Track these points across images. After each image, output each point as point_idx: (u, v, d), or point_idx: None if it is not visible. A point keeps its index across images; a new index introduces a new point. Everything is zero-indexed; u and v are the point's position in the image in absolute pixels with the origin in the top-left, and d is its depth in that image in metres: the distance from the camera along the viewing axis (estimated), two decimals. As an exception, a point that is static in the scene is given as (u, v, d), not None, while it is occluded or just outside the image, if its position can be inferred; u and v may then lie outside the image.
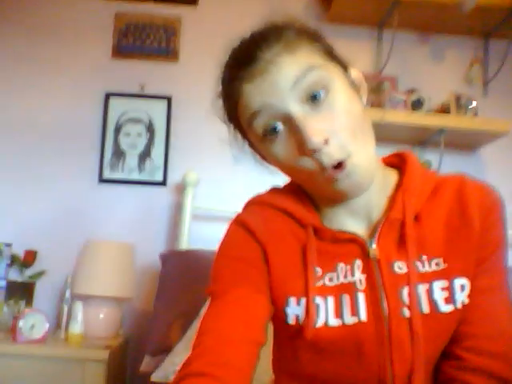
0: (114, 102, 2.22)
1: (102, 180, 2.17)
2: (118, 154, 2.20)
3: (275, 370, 0.81)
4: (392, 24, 2.13)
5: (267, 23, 0.75)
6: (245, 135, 0.76)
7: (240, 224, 0.77)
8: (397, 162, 0.80)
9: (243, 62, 0.69)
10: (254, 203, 0.80)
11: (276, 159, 0.70)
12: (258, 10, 2.30)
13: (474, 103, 2.11)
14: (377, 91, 2.11)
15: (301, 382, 0.74)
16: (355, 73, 0.74)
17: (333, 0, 2.15)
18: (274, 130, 0.67)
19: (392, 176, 0.78)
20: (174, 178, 2.18)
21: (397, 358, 0.69)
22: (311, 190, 0.75)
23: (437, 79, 2.28)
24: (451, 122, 2.04)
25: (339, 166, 0.66)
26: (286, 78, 0.65)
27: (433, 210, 0.74)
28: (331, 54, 0.71)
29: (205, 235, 2.00)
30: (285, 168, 0.71)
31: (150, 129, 2.21)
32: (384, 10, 2.16)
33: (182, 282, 1.78)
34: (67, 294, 1.91)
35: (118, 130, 2.21)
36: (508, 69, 2.25)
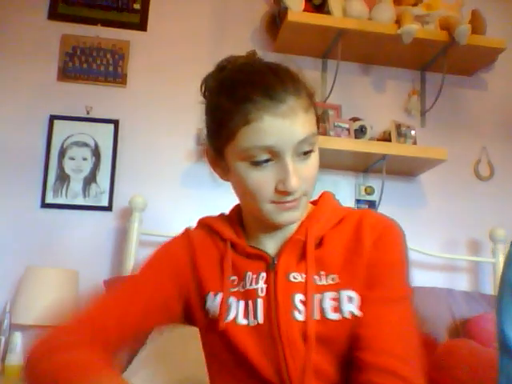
0: (58, 125, 2.17)
1: (44, 205, 2.11)
2: (63, 178, 2.14)
3: (206, 360, 0.94)
4: (336, 54, 2.22)
5: (282, 66, 0.83)
6: (220, 150, 0.84)
7: (184, 232, 0.95)
8: (316, 199, 0.95)
9: (268, 94, 0.77)
10: (199, 222, 0.98)
11: (251, 185, 0.80)
12: (207, 37, 2.34)
13: (413, 132, 2.22)
14: (321, 119, 2.18)
15: (220, 364, 0.88)
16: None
17: (279, 30, 2.21)
18: (266, 162, 0.79)
19: (308, 209, 0.91)
20: (120, 202, 2.15)
21: (289, 355, 0.80)
22: (251, 214, 0.89)
23: (378, 108, 2.37)
24: (392, 149, 2.12)
25: (294, 201, 0.81)
26: (298, 133, 0.78)
27: (335, 236, 0.87)
28: (318, 119, 0.86)
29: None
30: (247, 191, 0.82)
31: (96, 153, 2.18)
32: (328, 41, 2.25)
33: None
34: (5, 324, 1.82)
35: (62, 153, 2.16)
36: (443, 100, 2.38)
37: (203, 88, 0.90)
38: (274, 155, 0.78)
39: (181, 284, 0.88)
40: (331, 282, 0.83)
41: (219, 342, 0.84)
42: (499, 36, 2.28)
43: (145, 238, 2.06)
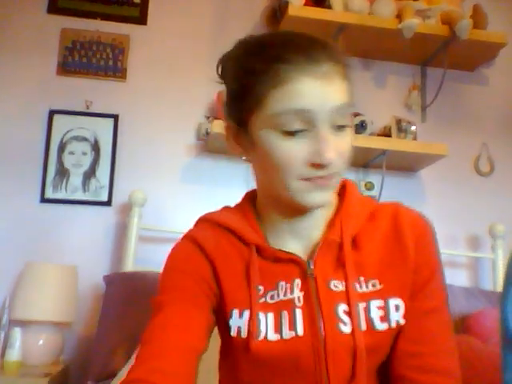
0: (58, 120, 2.16)
1: (43, 200, 2.10)
2: (62, 172, 2.14)
3: (220, 377, 0.85)
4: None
5: (319, 37, 0.76)
6: (244, 121, 0.75)
7: (191, 239, 0.81)
8: (338, 189, 0.84)
9: (304, 54, 0.70)
10: (204, 220, 0.84)
11: (281, 157, 0.71)
12: (207, 32, 2.33)
13: (414, 127, 2.21)
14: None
15: None
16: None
17: (279, 25, 2.20)
18: (300, 131, 0.70)
19: (333, 201, 0.82)
20: (119, 197, 2.14)
21: (332, 372, 0.73)
22: (274, 200, 0.78)
23: (379, 103, 2.37)
24: (393, 144, 2.12)
25: (328, 177, 0.72)
26: (335, 98, 0.71)
27: (369, 235, 0.79)
28: (353, 97, 0.78)
29: (151, 256, 1.97)
30: (274, 166, 0.72)
31: (96, 147, 2.17)
32: (329, 36, 2.23)
33: (127, 305, 1.73)
34: (4, 320, 1.82)
35: (62, 148, 2.15)
36: (444, 96, 2.37)
37: (222, 62, 0.81)
38: (308, 123, 0.70)
39: (209, 297, 0.78)
40: (372, 289, 0.76)
41: (245, 361, 0.75)
42: (500, 31, 2.26)
43: (144, 234, 2.06)
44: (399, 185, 2.32)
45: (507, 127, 2.45)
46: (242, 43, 0.80)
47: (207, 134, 2.09)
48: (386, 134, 2.20)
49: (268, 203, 0.81)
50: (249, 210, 0.83)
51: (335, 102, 0.70)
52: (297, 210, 0.77)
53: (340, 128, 0.72)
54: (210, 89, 2.14)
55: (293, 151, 0.70)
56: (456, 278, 2.26)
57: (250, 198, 0.86)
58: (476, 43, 2.24)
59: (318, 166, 0.70)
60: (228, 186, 2.16)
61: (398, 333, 0.77)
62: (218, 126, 1.94)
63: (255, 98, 0.71)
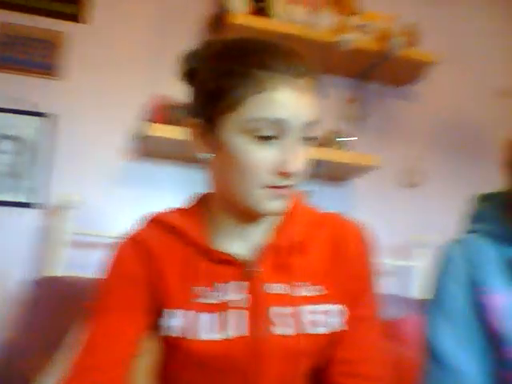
0: (-16, 117, 2.05)
1: (-36, 200, 1.99)
2: (-13, 172, 2.03)
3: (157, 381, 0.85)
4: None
5: (299, 53, 0.76)
6: (214, 121, 0.74)
7: (134, 240, 0.81)
8: None
9: (288, 64, 0.71)
10: (151, 221, 0.84)
11: (250, 162, 0.71)
12: (146, 33, 2.29)
13: (350, 139, 2.27)
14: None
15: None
16: None
17: (222, 30, 2.20)
18: (271, 138, 0.71)
19: None
20: (50, 200, 2.05)
21: (267, 373, 0.74)
22: (231, 204, 0.78)
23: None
24: (331, 155, 2.17)
25: (288, 187, 0.74)
26: (310, 112, 0.73)
27: (313, 242, 0.81)
28: None
29: (84, 261, 1.91)
30: (241, 170, 0.72)
31: (23, 147, 2.08)
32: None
33: (51, 311, 1.67)
34: None
35: (-13, 146, 2.04)
36: (378, 109, 2.46)
37: (189, 61, 0.79)
38: (281, 133, 0.71)
39: (148, 299, 0.78)
40: (314, 293, 0.78)
41: (184, 362, 0.75)
42: (432, 50, 2.38)
43: (78, 238, 1.99)
44: (334, 194, 2.37)
45: (436, 142, 2.57)
46: (213, 44, 0.78)
47: (143, 137, 2.05)
48: (324, 144, 2.25)
49: (222, 206, 0.81)
50: (199, 212, 0.83)
51: (308, 116, 0.73)
52: (250, 217, 0.78)
53: (306, 141, 0.74)
54: (148, 91, 2.11)
55: (262, 157, 0.71)
56: (383, 285, 2.32)
57: (204, 200, 0.85)
58: (409, 61, 2.33)
59: (285, 174, 0.71)
60: (164, 190, 2.13)
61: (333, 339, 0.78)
62: (155, 129, 1.92)
63: (231, 101, 0.71)
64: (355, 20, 2.28)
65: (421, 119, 2.59)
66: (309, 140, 0.75)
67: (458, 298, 0.88)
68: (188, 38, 2.31)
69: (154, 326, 0.79)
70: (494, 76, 2.67)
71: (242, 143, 0.71)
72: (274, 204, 0.74)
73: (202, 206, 0.85)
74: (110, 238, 1.93)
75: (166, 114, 1.98)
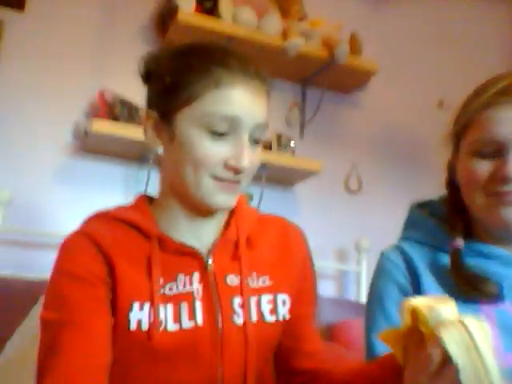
0: None
1: None
2: None
3: None
4: (223, 60, 2.22)
5: (252, 61, 0.82)
6: (170, 114, 0.78)
7: (82, 234, 0.79)
8: None
9: (245, 65, 0.77)
10: (96, 216, 0.83)
11: (202, 154, 0.75)
12: (91, 26, 2.22)
13: (293, 143, 2.30)
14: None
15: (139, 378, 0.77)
16: None
17: (168, 29, 2.17)
18: (223, 134, 0.76)
19: None
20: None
21: (227, 362, 0.77)
22: (182, 196, 0.81)
23: (261, 117, 2.42)
24: (273, 158, 2.18)
25: (236, 182, 0.78)
26: (261, 113, 0.78)
27: (261, 237, 0.88)
28: None
29: (16, 260, 1.82)
30: (192, 161, 0.76)
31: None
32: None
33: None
34: None
35: None
36: (321, 115, 2.50)
37: (150, 57, 0.84)
38: (233, 129, 0.76)
39: (107, 295, 0.76)
40: (263, 284, 0.84)
41: (144, 356, 0.75)
42: (374, 59, 2.45)
43: (8, 236, 1.89)
44: (276, 197, 2.39)
45: (375, 149, 2.65)
46: (173, 45, 0.86)
47: (85, 133, 1.98)
48: (266, 147, 2.26)
49: (172, 200, 0.83)
50: (145, 209, 0.84)
51: (259, 118, 0.78)
52: (201, 211, 0.82)
53: (255, 142, 0.80)
54: (92, 86, 2.04)
55: (214, 151, 0.75)
56: (324, 288, 2.37)
57: (145, 199, 0.87)
58: (352, 68, 2.39)
59: (233, 169, 0.76)
60: (105, 188, 2.07)
61: (284, 329, 0.86)
62: (98, 125, 1.86)
63: (189, 95, 0.75)
64: (301, 26, 2.32)
65: (362, 126, 2.66)
66: (257, 142, 0.80)
67: (398, 301, 0.91)
68: (134, 32, 2.26)
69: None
70: (431, 87, 2.79)
71: (196, 137, 0.75)
72: (222, 198, 0.78)
73: (145, 203, 0.86)
74: (45, 236, 1.86)
75: (111, 110, 1.92)
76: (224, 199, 0.78)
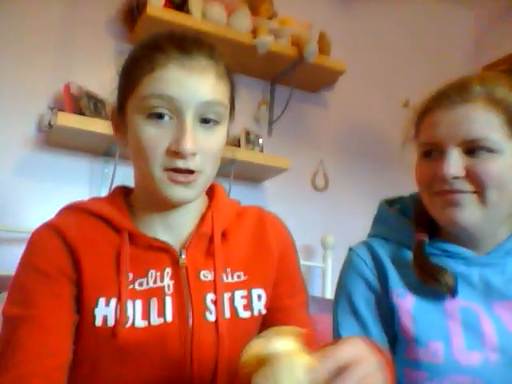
0: None
1: None
2: None
3: None
4: (192, 56, 2.21)
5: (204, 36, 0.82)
6: (123, 106, 0.78)
7: (48, 227, 0.78)
8: (208, 191, 0.89)
9: (181, 46, 0.74)
10: (68, 209, 0.81)
11: (144, 141, 0.73)
12: (56, 17, 2.17)
13: (261, 140, 2.31)
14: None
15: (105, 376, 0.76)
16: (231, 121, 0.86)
17: (136, 23, 2.14)
18: (161, 117, 0.72)
19: (204, 199, 0.88)
20: None
21: (196, 359, 0.75)
22: (146, 189, 0.79)
23: (230, 114, 2.42)
24: (241, 155, 2.18)
25: (189, 172, 0.74)
26: (204, 93, 0.73)
27: (237, 231, 0.85)
28: (232, 101, 0.85)
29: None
30: (140, 150, 0.74)
31: None
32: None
33: None
34: None
35: None
36: (289, 113, 2.52)
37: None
38: (174, 111, 0.72)
39: (69, 290, 0.75)
40: (238, 280, 0.81)
41: (110, 353, 0.73)
42: (341, 59, 2.48)
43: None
44: (245, 194, 2.40)
45: (341, 147, 2.69)
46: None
47: (50, 126, 1.94)
48: (234, 144, 2.27)
49: (141, 194, 0.82)
50: (119, 202, 0.82)
51: (204, 97, 0.73)
52: (168, 203, 0.78)
53: (209, 124, 0.75)
54: (57, 78, 2.00)
55: (155, 137, 0.72)
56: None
57: (121, 191, 0.85)
58: (320, 67, 2.41)
59: (177, 154, 0.72)
60: (70, 182, 2.03)
61: (265, 322, 0.83)
62: (63, 119, 1.82)
63: (131, 83, 0.75)
64: (270, 24, 2.32)
65: (329, 125, 2.69)
66: (214, 124, 0.76)
67: (365, 296, 0.92)
68: (101, 24, 2.22)
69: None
70: (397, 87, 2.84)
71: (139, 123, 0.73)
72: (176, 190, 0.74)
73: (120, 196, 0.84)
74: (6, 231, 1.82)
75: (77, 103, 1.89)
76: (179, 192, 0.74)
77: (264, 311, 0.82)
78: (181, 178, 0.73)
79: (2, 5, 2.09)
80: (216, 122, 0.76)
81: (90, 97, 1.90)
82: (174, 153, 0.72)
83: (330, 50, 2.45)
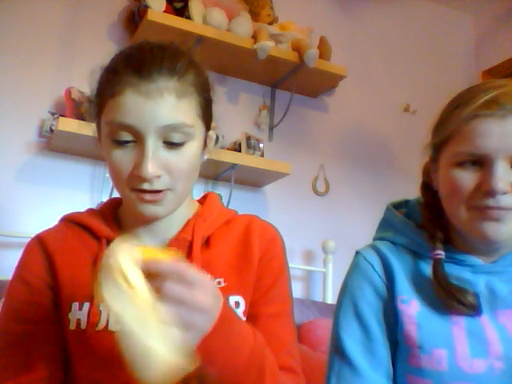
0: None
1: None
2: None
3: None
4: (193, 61, 2.22)
5: (173, 46, 0.78)
6: (98, 125, 0.79)
7: (35, 238, 0.82)
8: (202, 199, 0.92)
9: (138, 69, 0.72)
10: (60, 219, 0.86)
11: (112, 164, 0.75)
12: (58, 23, 2.18)
13: (262, 145, 2.32)
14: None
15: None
16: (211, 133, 0.85)
17: (137, 28, 2.15)
18: (126, 142, 0.73)
19: (194, 207, 0.89)
20: None
21: None
22: (124, 203, 0.84)
23: (230, 119, 2.43)
24: (242, 159, 2.19)
25: (156, 192, 0.74)
26: (162, 117, 0.71)
27: (221, 238, 0.84)
28: (205, 111, 0.79)
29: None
30: (110, 171, 0.77)
31: None
32: (188, 44, 2.23)
33: None
34: None
35: None
36: (290, 118, 2.52)
37: None
38: (136, 136, 0.72)
39: (49, 298, 0.78)
40: (217, 286, 0.78)
41: (84, 357, 0.75)
42: (341, 64, 2.48)
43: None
44: (245, 198, 2.40)
45: (342, 152, 2.69)
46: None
47: (51, 131, 1.95)
48: (235, 149, 2.27)
49: (125, 206, 0.85)
50: (107, 212, 0.85)
51: (163, 121, 0.71)
52: (141, 218, 0.80)
53: (176, 145, 0.74)
54: (58, 84, 2.01)
55: (119, 161, 0.74)
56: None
57: (112, 202, 0.88)
58: (320, 72, 2.42)
59: (138, 178, 0.72)
60: (72, 187, 2.03)
61: None
62: (64, 124, 1.83)
63: (98, 105, 0.76)
64: (271, 29, 2.33)
65: (329, 129, 2.69)
66: (176, 144, 0.74)
67: (371, 301, 0.91)
68: (103, 30, 2.24)
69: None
70: (397, 91, 2.85)
71: (107, 147, 0.75)
72: (145, 208, 0.75)
73: (111, 207, 0.87)
74: (8, 236, 1.82)
75: (77, 108, 1.89)
76: (149, 209, 0.75)
77: (243, 318, 0.81)
78: (148, 196, 0.74)
79: (4, 10, 2.10)
80: (183, 142, 0.75)
81: (91, 102, 1.91)
82: (136, 176, 0.73)
83: (331, 54, 2.45)
